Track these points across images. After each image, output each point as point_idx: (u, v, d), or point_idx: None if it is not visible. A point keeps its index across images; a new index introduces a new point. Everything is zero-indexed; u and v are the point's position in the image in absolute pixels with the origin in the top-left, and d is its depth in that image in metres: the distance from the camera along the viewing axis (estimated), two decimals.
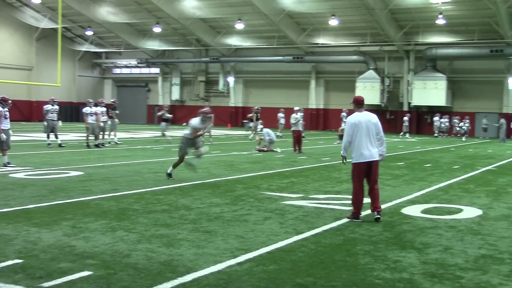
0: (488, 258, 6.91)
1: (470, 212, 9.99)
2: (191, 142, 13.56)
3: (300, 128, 23.17)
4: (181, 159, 13.60)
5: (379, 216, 8.97)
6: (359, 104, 9.33)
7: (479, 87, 45.39)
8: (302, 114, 23.64)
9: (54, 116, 23.48)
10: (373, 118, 9.23)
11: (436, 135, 42.61)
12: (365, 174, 9.10)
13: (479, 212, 10.08)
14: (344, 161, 9.43)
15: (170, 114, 28.90)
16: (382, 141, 9.23)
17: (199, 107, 29.46)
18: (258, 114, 33.11)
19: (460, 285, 5.83)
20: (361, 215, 9.06)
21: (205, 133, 27.27)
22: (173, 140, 26.50)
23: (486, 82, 45.12)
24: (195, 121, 13.56)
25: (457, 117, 43.29)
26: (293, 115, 23.30)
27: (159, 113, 28.75)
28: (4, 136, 15.12)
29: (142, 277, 5.76)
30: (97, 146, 22.79)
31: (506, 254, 7.13)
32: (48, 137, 23.34)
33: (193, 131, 13.40)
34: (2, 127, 15.20)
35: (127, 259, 6.39)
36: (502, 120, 38.68)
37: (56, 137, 23.15)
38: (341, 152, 9.42)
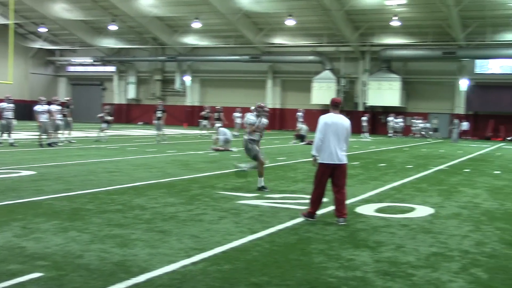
0: (439, 255, 7.05)
1: (422, 211, 10.17)
2: (256, 143, 13.04)
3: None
4: (259, 161, 12.79)
5: (344, 223, 8.73)
6: (335, 105, 9.10)
7: (432, 88, 46.29)
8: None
9: (9, 114, 22.95)
10: (346, 122, 9.07)
11: (390, 135, 43.29)
12: (329, 176, 8.95)
13: (431, 210, 10.27)
14: (315, 162, 9.05)
15: (110, 116, 28.51)
16: (347, 148, 9.08)
17: (156, 106, 29.25)
18: (220, 114, 33.22)
19: (411, 282, 5.93)
20: (316, 215, 9.07)
21: (161, 132, 27.26)
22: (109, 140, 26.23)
23: (439, 83, 46.03)
24: (250, 116, 13.22)
25: (420, 117, 44.24)
26: (249, 115, 23.29)
27: (100, 115, 28.32)
28: None
29: (94, 278, 5.68)
30: (49, 145, 22.38)
31: (456, 251, 7.28)
32: (1, 135, 22.81)
33: (250, 127, 12.93)
34: None
35: (80, 260, 6.29)
36: (456, 121, 39.51)
37: (9, 136, 22.65)
38: (312, 151, 9.08)
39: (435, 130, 44.50)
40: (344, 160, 8.92)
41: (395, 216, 9.63)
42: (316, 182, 9.06)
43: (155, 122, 28.15)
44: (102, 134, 27.37)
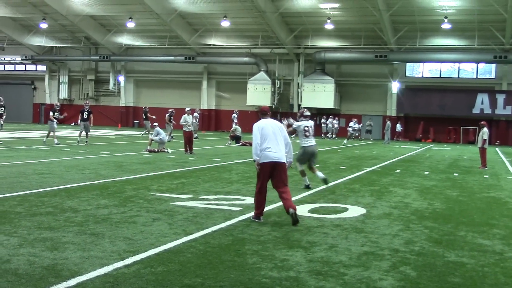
0: (370, 254, 7.20)
1: (355, 211, 10.37)
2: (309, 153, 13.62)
3: (191, 129, 23.20)
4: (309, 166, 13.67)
5: (294, 212, 8.83)
6: (264, 113, 9.58)
7: (365, 90, 47.28)
8: (196, 115, 23.68)
9: None
10: (279, 123, 9.57)
11: (323, 136, 43.94)
12: (269, 175, 9.13)
13: (363, 211, 10.48)
14: (258, 166, 9.12)
15: (60, 115, 27.62)
16: (290, 148, 9.42)
17: (82, 106, 28.52)
18: (148, 114, 33.03)
19: (343, 281, 6.03)
20: (262, 216, 9.13)
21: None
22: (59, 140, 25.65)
23: (371, 86, 47.07)
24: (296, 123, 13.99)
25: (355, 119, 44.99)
26: (184, 116, 23.31)
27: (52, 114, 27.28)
28: None
29: (23, 283, 5.52)
30: None
31: (387, 250, 7.45)
32: None
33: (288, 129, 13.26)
34: None
35: (7, 265, 6.11)
36: (388, 123, 40.47)
37: None
38: (253, 156, 9.18)
39: (369, 131, 45.49)
40: (283, 159, 9.16)
41: (329, 216, 9.78)
42: (257, 182, 9.24)
43: (81, 122, 26.92)
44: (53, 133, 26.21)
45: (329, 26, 41.57)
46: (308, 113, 14.15)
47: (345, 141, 36.26)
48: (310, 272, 6.32)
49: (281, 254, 7.03)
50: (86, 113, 26.43)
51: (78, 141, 26.13)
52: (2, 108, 25.40)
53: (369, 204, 11.28)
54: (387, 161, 22.99)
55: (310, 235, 8.23)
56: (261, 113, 9.64)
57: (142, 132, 34.02)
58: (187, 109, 24.48)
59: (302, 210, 10.23)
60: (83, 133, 26.26)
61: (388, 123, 40.49)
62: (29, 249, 6.80)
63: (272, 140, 9.14)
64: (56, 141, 25.10)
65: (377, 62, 44.97)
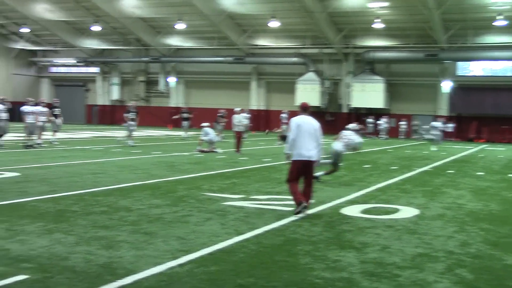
0: (424, 256, 7.09)
1: (407, 212, 10.23)
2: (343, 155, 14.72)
3: (242, 129, 23.33)
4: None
5: (305, 206, 9.42)
6: (304, 109, 10.08)
7: (415, 90, 46.56)
8: (245, 115, 23.79)
9: (5, 116, 22.68)
10: (316, 124, 9.93)
11: (370, 137, 43.36)
12: (302, 172, 9.69)
13: (415, 211, 10.33)
14: (288, 159, 9.85)
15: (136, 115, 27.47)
16: (320, 147, 9.84)
17: (139, 107, 29.04)
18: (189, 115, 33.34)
19: (397, 283, 5.96)
20: (303, 203, 9.41)
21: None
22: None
23: (421, 85, 46.31)
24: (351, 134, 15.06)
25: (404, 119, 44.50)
26: (235, 116, 23.46)
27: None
28: None
29: (80, 280, 5.65)
30: (32, 146, 22.18)
31: (441, 252, 7.33)
32: (0, 137, 22.46)
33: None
34: None
35: (65, 262, 6.26)
36: (438, 123, 39.72)
37: (0, 137, 22.40)
38: (285, 150, 9.90)
39: (416, 131, 44.76)
40: (313, 158, 9.68)
41: (380, 217, 9.67)
42: (289, 178, 9.75)
43: (130, 123, 26.45)
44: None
45: (378, 25, 41.11)
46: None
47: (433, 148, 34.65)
48: (363, 273, 6.27)
49: (333, 255, 7.00)
50: (133, 113, 26.47)
51: (121, 141, 26.30)
52: (57, 109, 25.98)
53: (422, 205, 11.11)
54: (439, 161, 22.60)
55: (362, 235, 8.16)
56: (301, 109, 10.05)
57: (182, 133, 34.27)
58: (237, 109, 24.59)
59: (354, 211, 10.16)
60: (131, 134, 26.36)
61: (438, 123, 39.74)
62: (85, 247, 6.95)
63: (306, 139, 9.62)
64: (130, 142, 25.40)
65: (428, 61, 44.22)
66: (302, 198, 9.50)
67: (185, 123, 34.68)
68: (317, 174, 13.97)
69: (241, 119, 23.46)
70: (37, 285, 5.47)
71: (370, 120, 44.50)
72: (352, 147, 15.27)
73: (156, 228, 8.17)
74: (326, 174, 14.46)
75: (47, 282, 5.56)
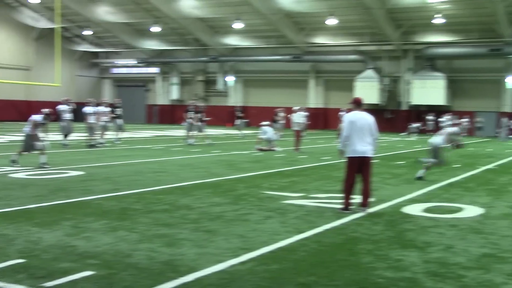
0: (491, 257, 6.90)
1: (471, 211, 9.99)
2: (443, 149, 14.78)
3: (301, 128, 23.32)
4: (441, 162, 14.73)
5: (364, 214, 9.43)
6: (358, 104, 9.97)
7: (478, 86, 45.37)
8: (304, 113, 23.84)
9: (69, 116, 23.44)
10: (370, 118, 9.84)
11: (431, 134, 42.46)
12: (357, 169, 9.64)
13: (480, 211, 10.07)
14: (342, 155, 9.89)
15: (196, 113, 27.71)
16: (375, 142, 9.84)
17: (187, 106, 29.15)
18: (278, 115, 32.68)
19: (462, 284, 5.82)
20: (350, 207, 9.55)
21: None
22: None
23: (485, 81, 45.11)
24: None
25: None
26: (294, 115, 23.46)
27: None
28: None
29: (144, 277, 5.75)
30: (94, 145, 22.72)
31: (509, 253, 7.12)
32: (65, 137, 23.20)
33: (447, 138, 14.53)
34: None
35: (129, 259, 6.38)
36: (504, 119, 38.71)
37: (65, 137, 23.09)
38: (339, 146, 9.98)
39: (480, 128, 43.58)
40: (369, 153, 9.64)
41: (443, 216, 9.47)
42: (345, 175, 9.74)
43: (195, 122, 26.91)
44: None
45: (438, 20, 40.26)
46: None
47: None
48: (426, 273, 6.15)
49: (395, 254, 6.90)
50: (192, 113, 26.68)
51: (188, 142, 26.21)
52: (119, 109, 26.51)
53: (487, 204, 10.82)
54: (504, 159, 21.97)
55: (425, 235, 8.01)
56: (354, 104, 9.95)
57: (238, 132, 34.45)
58: (296, 108, 24.56)
59: (416, 209, 9.99)
60: (191, 133, 26.57)
61: (504, 119, 38.69)
62: (148, 244, 7.06)
63: (360, 135, 9.55)
64: (190, 141, 25.80)
65: (491, 56, 43.00)
66: (350, 204, 9.57)
67: (239, 122, 34.86)
68: (419, 174, 14.27)
69: (299, 118, 23.41)
70: (102, 281, 5.59)
71: (430, 117, 43.53)
72: (453, 140, 15.05)
73: (217, 226, 8.23)
74: (427, 168, 14.47)
75: (112, 278, 5.68)
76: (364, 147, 9.55)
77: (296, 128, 22.99)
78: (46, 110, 15.73)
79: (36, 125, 15.46)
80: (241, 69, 54.57)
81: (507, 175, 16.18)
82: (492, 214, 9.77)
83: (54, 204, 9.72)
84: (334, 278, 5.90)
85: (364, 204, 9.59)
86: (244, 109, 53.36)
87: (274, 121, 30.59)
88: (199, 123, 26.72)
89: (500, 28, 40.18)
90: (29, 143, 15.39)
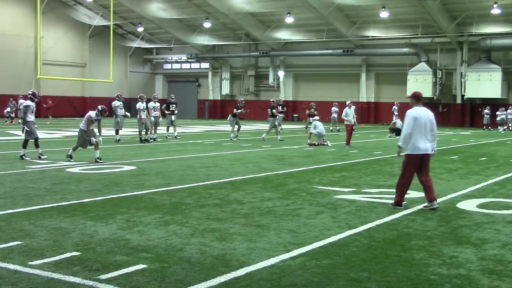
0: None
1: None
2: None
3: (352, 122, 23.10)
4: None
5: (437, 205, 9.34)
6: (418, 99, 9.72)
7: None
8: (354, 108, 23.66)
9: (122, 112, 23.93)
10: (431, 114, 9.63)
11: (485, 128, 41.41)
12: (417, 167, 9.44)
13: None
14: (400, 153, 9.79)
15: (243, 110, 27.80)
16: (435, 138, 9.61)
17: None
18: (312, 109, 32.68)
19: None
20: (403, 203, 9.46)
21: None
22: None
23: None
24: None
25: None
26: (345, 109, 23.26)
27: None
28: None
29: (196, 271, 5.80)
30: (146, 140, 23.05)
31: None
32: (117, 133, 23.69)
33: None
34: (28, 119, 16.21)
35: (181, 253, 6.45)
36: None
37: (117, 133, 23.57)
38: (399, 143, 9.64)
39: None
40: (429, 150, 9.45)
41: (500, 212, 9.24)
42: (404, 172, 9.51)
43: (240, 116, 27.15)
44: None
45: (495, 11, 39.22)
46: None
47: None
48: (482, 270, 6.01)
49: (449, 251, 6.77)
50: (235, 108, 26.68)
51: (232, 137, 26.00)
52: (174, 105, 26.63)
53: None
54: None
55: (480, 231, 7.83)
56: (414, 99, 9.71)
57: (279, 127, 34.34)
58: (348, 102, 24.36)
59: (470, 205, 9.78)
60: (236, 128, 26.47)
61: None
62: (199, 238, 7.13)
63: (423, 132, 9.36)
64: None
65: None
66: (402, 200, 9.49)
67: (279, 116, 34.71)
68: None
69: (351, 113, 23.18)
70: (155, 274, 5.67)
71: (486, 111, 42.42)
72: None
73: (268, 221, 8.24)
74: None
75: (164, 272, 5.75)
76: (425, 144, 9.38)
77: (347, 123, 22.80)
78: (100, 107, 16.02)
79: (91, 121, 15.78)
80: (292, 63, 54.44)
81: None
82: None
83: (108, 198, 9.91)
84: (386, 274, 5.83)
85: (433, 198, 9.32)
86: (293, 103, 53.38)
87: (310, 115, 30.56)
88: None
89: None
90: (84, 139, 15.74)
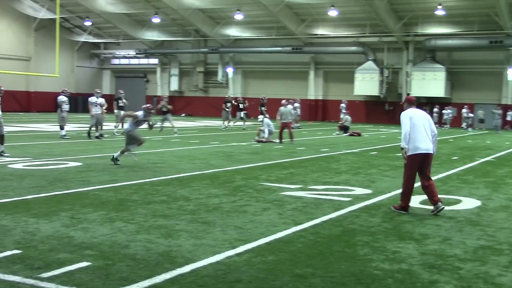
0: (487, 249, 6.91)
1: (469, 203, 9.99)
2: None
3: (289, 120, 23.56)
4: None
5: (443, 206, 8.92)
6: (410, 103, 9.52)
7: (478, 78, 45.31)
8: (297, 105, 24.15)
9: (67, 107, 23.30)
10: (427, 115, 9.41)
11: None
12: (419, 167, 9.07)
13: (478, 203, 10.08)
14: (405, 154, 9.16)
15: (169, 105, 28.74)
16: (435, 139, 9.30)
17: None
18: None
19: (459, 276, 5.83)
20: (409, 207, 9.06)
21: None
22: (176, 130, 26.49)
23: (485, 73, 45.03)
24: None
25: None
26: (280, 108, 23.65)
27: (159, 106, 28.65)
28: None
29: (140, 268, 5.75)
30: (96, 137, 22.69)
31: (505, 245, 7.13)
32: (62, 128, 23.05)
33: None
34: None
35: (126, 250, 6.38)
36: (496, 111, 38.88)
37: (62, 129, 23.01)
38: (401, 144, 9.20)
39: (481, 121, 43.54)
40: (431, 150, 9.07)
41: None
42: (406, 174, 9.16)
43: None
44: (166, 123, 27.75)
45: (440, 12, 40.15)
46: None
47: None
48: (423, 265, 6.16)
49: (392, 246, 6.91)
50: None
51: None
52: (123, 100, 26.33)
53: (484, 196, 10.84)
54: (502, 151, 21.97)
55: (422, 227, 8.02)
56: (408, 102, 9.51)
57: (241, 124, 34.62)
58: (283, 101, 24.69)
59: (413, 202, 9.93)
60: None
61: (495, 110, 38.90)
62: (145, 235, 7.07)
63: (422, 131, 9.03)
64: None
65: (492, 48, 42.88)
66: (408, 205, 9.06)
67: (242, 114, 35.00)
68: None
69: (287, 111, 23.54)
70: (99, 271, 5.59)
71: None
72: None
73: (214, 217, 8.24)
74: None
75: (108, 269, 5.68)
76: (427, 144, 9.02)
77: (284, 121, 23.20)
78: (146, 106, 15.22)
79: (137, 120, 15.06)
80: (241, 60, 54.48)
81: (505, 167, 16.18)
82: (490, 206, 9.78)
83: (52, 195, 9.72)
84: (331, 270, 5.90)
85: (437, 200, 8.93)
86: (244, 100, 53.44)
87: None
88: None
89: (501, 20, 40.06)
90: (132, 138, 14.79)
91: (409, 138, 9.00)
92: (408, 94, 45.71)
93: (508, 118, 42.23)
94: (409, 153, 9.04)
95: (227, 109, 33.02)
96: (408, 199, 9.07)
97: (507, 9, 38.93)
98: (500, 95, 44.51)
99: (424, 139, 9.00)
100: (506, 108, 42.76)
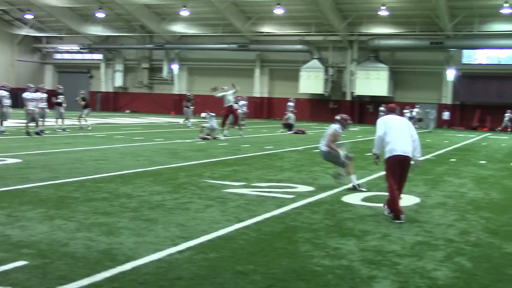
0: (424, 244, 7.10)
1: (408, 200, 10.19)
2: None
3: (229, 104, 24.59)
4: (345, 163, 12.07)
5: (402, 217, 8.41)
6: (390, 110, 9.41)
7: (419, 78, 46.39)
8: (244, 102, 24.67)
9: (8, 102, 22.68)
10: (405, 120, 9.25)
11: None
12: (399, 169, 8.72)
13: (417, 200, 10.33)
14: (377, 159, 9.10)
15: (84, 101, 28.51)
16: (417, 145, 8.88)
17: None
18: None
19: (396, 271, 5.96)
20: (403, 214, 8.42)
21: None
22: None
23: (426, 73, 46.16)
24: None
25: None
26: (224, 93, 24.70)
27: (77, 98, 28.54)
28: None
29: (80, 266, 5.67)
30: (37, 133, 22.17)
31: (441, 240, 7.33)
32: (1, 124, 22.39)
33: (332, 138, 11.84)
34: None
35: (65, 248, 6.28)
36: (429, 110, 40.10)
37: (1, 124, 22.37)
38: (373, 150, 9.12)
39: (420, 120, 44.56)
40: (409, 154, 8.71)
41: (382, 205, 9.63)
42: (388, 179, 8.81)
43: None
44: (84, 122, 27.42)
45: (383, 12, 40.91)
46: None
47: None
48: (362, 261, 6.27)
49: (333, 243, 7.01)
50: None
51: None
52: (61, 96, 25.95)
53: (423, 194, 11.11)
54: (441, 150, 22.56)
55: (362, 223, 8.16)
56: (388, 110, 9.41)
57: (182, 120, 34.50)
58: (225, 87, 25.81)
59: (355, 199, 10.16)
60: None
61: (428, 110, 40.19)
62: (85, 233, 6.97)
63: (398, 134, 8.74)
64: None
65: (433, 49, 44.06)
66: (402, 211, 8.42)
67: (189, 110, 34.80)
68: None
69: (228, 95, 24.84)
70: (36, 270, 5.48)
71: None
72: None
73: (156, 214, 8.18)
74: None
75: (46, 267, 5.58)
76: (404, 146, 8.63)
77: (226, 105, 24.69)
78: (341, 116, 12.44)
79: (336, 136, 12.81)
80: (187, 57, 54.21)
81: (443, 165, 16.62)
82: (428, 203, 10.03)
83: None
84: (272, 266, 5.94)
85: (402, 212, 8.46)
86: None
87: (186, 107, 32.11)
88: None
89: (441, 22, 41.14)
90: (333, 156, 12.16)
91: (386, 142, 8.78)
92: (352, 93, 46.56)
93: (445, 118, 43.40)
94: (386, 156, 8.80)
95: (190, 107, 33.04)
96: (397, 206, 8.49)
97: (447, 11, 40.04)
98: (440, 95, 45.70)
99: (401, 142, 8.67)
100: (441, 108, 44.05)
